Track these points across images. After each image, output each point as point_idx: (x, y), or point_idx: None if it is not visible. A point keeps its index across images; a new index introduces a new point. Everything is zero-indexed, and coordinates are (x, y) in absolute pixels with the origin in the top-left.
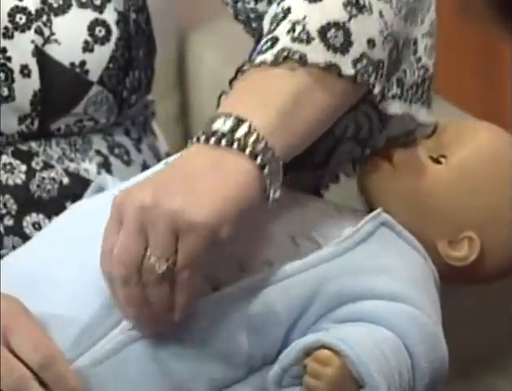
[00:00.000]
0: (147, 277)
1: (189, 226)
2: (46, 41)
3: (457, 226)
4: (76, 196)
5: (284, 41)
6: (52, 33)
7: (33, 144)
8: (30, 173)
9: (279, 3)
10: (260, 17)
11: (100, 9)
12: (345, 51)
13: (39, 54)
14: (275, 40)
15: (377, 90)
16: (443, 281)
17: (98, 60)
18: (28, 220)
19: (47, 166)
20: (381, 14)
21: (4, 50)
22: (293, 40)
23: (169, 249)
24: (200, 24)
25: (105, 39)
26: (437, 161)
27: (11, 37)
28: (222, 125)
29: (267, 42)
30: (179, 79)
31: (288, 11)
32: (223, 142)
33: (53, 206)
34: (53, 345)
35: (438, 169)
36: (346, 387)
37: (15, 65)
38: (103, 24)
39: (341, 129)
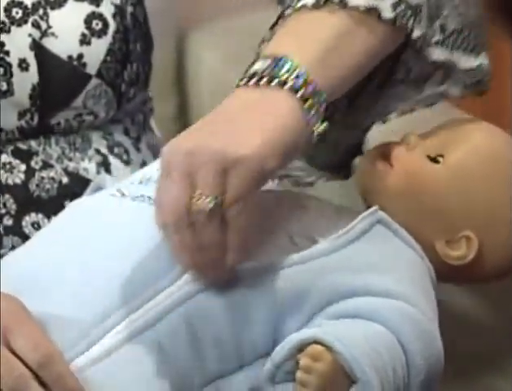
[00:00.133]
0: (197, 218)
1: (237, 160)
2: (44, 34)
3: (455, 226)
4: (75, 196)
5: None
6: (49, 27)
7: (33, 143)
8: (29, 172)
9: None
10: None
11: (97, 2)
12: None
13: (37, 47)
14: None
15: (415, 35)
16: (442, 281)
17: (95, 53)
18: (27, 220)
19: (47, 166)
20: None
21: (2, 45)
22: None
23: (217, 188)
24: (200, 24)
25: (102, 32)
26: (434, 161)
27: (8, 31)
28: (261, 65)
29: None
30: (179, 79)
31: None
32: (263, 80)
33: (52, 206)
34: (52, 345)
35: (435, 169)
36: (339, 382)
37: (13, 59)
38: (100, 17)
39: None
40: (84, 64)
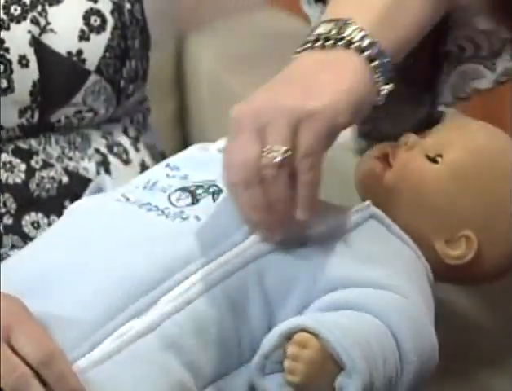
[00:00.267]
0: (267, 173)
1: (310, 113)
2: (43, 30)
3: (454, 225)
4: (75, 195)
5: None
6: (48, 23)
7: (33, 142)
8: (30, 172)
9: None
10: None
11: None
12: None
13: (36, 43)
14: None
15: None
16: (441, 281)
17: (94, 49)
18: (27, 219)
19: (47, 165)
20: None
21: (1, 42)
22: None
23: (288, 141)
24: (199, 26)
25: (101, 28)
26: (433, 161)
27: (8, 28)
28: (324, 29)
29: None
30: (178, 80)
31: None
32: (329, 42)
33: (52, 205)
34: (54, 344)
35: (434, 169)
36: (327, 369)
37: (13, 56)
38: (98, 13)
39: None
40: (83, 60)
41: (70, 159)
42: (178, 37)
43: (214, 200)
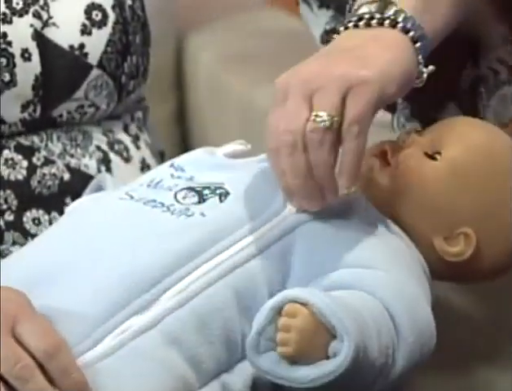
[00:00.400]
0: (312, 138)
1: (362, 80)
2: (45, 24)
3: (453, 222)
4: (76, 192)
5: None
6: (50, 17)
7: (35, 139)
8: (31, 168)
9: None
10: None
11: None
12: None
13: (39, 37)
14: None
15: None
16: (440, 279)
17: (96, 43)
18: (28, 215)
19: (48, 162)
20: None
21: (4, 36)
22: None
23: (335, 107)
24: (199, 26)
25: (102, 23)
26: (432, 158)
27: (10, 22)
28: (367, 9)
29: None
30: (177, 80)
31: None
32: (374, 22)
33: (53, 202)
34: (59, 336)
35: (433, 166)
36: (319, 336)
37: (15, 50)
38: (100, 7)
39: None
40: (85, 54)
41: (72, 156)
42: (177, 37)
43: (221, 201)
